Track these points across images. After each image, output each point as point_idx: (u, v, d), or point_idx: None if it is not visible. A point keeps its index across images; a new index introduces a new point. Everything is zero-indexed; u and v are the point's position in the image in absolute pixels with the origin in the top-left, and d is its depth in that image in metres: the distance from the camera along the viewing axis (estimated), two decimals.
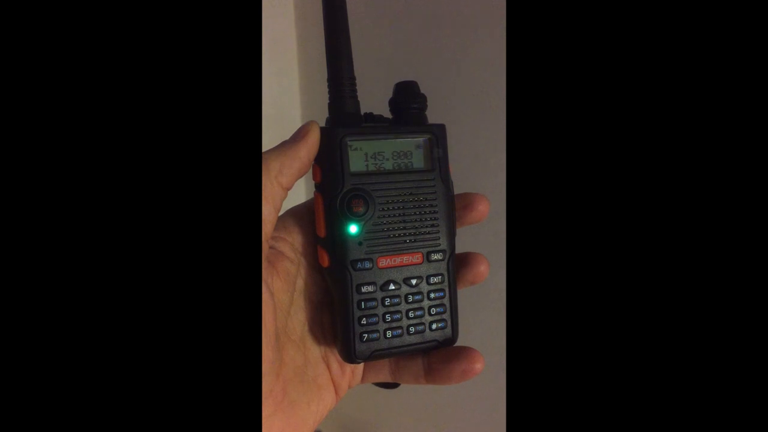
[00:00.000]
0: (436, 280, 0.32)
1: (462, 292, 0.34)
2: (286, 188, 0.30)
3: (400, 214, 0.32)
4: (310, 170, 0.32)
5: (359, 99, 0.33)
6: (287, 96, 0.91)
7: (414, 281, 0.32)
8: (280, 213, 0.32)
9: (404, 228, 0.32)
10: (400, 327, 0.32)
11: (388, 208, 0.31)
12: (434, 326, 0.32)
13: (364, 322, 0.31)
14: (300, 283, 0.32)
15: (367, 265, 0.31)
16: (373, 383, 0.35)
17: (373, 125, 0.33)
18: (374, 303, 0.31)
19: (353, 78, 0.32)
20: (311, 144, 0.30)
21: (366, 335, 0.31)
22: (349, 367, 0.34)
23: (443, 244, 0.32)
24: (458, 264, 0.34)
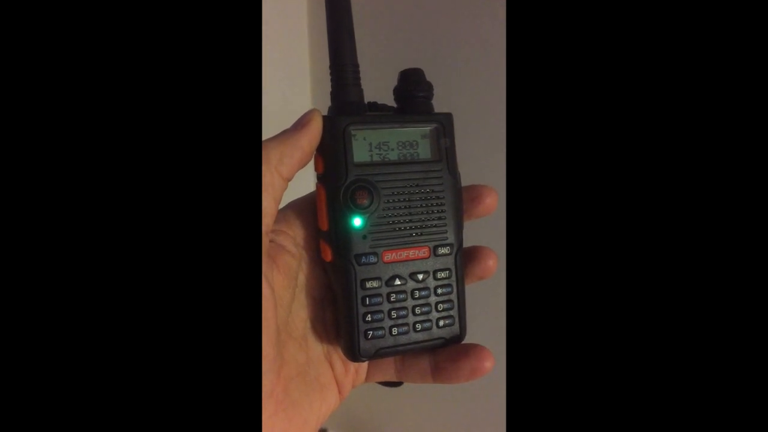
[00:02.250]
0: (443, 275, 0.31)
1: (469, 288, 0.33)
2: (286, 179, 0.29)
3: (405, 207, 0.30)
4: (312, 161, 0.31)
5: (363, 87, 0.31)
6: (297, 86, 0.90)
7: (420, 276, 0.31)
8: (281, 205, 0.31)
9: (410, 221, 0.31)
10: (406, 324, 0.30)
11: (393, 200, 0.30)
12: (441, 323, 0.31)
13: (369, 319, 0.30)
14: (301, 278, 0.31)
15: (372, 259, 0.30)
16: (376, 381, 0.34)
17: (377, 114, 0.31)
18: (379, 299, 0.30)
19: (356, 65, 0.31)
20: (313, 133, 0.29)
21: (371, 332, 0.30)
22: (352, 365, 0.32)
23: (451, 237, 0.31)
24: (466, 258, 0.32)
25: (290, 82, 0.89)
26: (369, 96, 0.32)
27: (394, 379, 0.33)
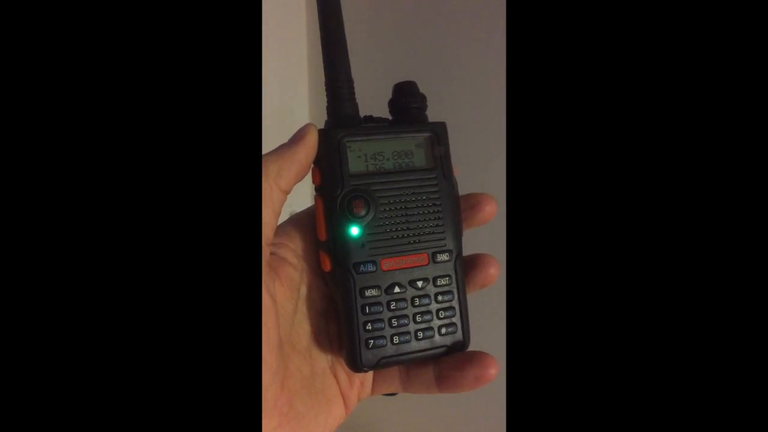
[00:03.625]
0: (443, 281, 0.31)
1: (471, 296, 0.33)
2: (285, 191, 0.29)
3: (402, 214, 0.31)
4: (310, 174, 0.31)
5: (359, 103, 0.32)
6: (296, 100, 0.91)
7: (420, 283, 0.31)
8: (282, 219, 0.32)
9: (408, 228, 0.31)
10: (407, 332, 0.30)
11: (390, 209, 0.30)
12: (443, 330, 0.31)
13: (370, 328, 0.30)
14: (304, 290, 0.31)
15: (371, 267, 0.30)
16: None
17: (372, 126, 0.32)
18: (379, 308, 0.30)
19: (351, 80, 0.32)
20: (309, 146, 0.30)
21: (372, 341, 0.30)
22: (357, 378, 0.32)
23: (449, 243, 0.31)
24: (467, 266, 0.32)
25: (288, 93, 0.90)
26: (365, 111, 0.32)
27: (400, 391, 0.33)
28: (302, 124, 0.31)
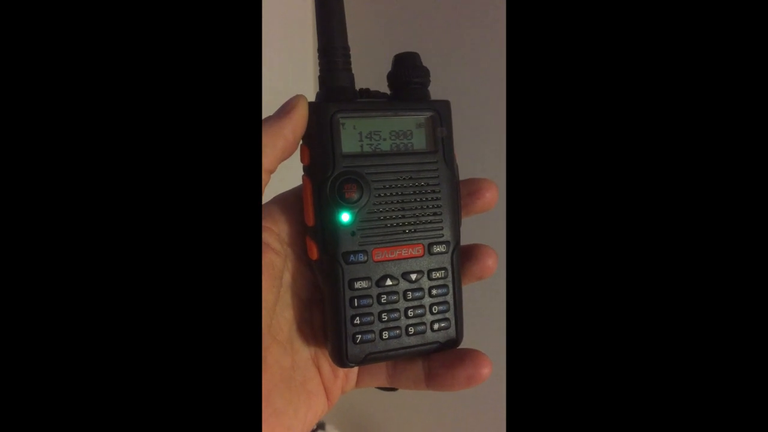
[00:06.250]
0: (438, 275, 0.29)
1: (466, 288, 0.31)
2: (268, 170, 0.27)
3: (398, 201, 0.28)
4: (298, 151, 0.29)
5: (354, 72, 0.29)
6: (300, 75, 0.87)
7: (414, 276, 0.29)
8: (266, 199, 0.29)
9: (403, 217, 0.28)
10: (397, 327, 0.28)
11: (384, 194, 0.28)
12: (436, 326, 0.29)
13: (358, 322, 0.28)
14: (287, 277, 0.29)
15: (361, 258, 0.28)
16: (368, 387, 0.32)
17: (368, 101, 0.29)
18: (369, 300, 0.28)
19: (347, 48, 0.29)
20: (297, 120, 0.27)
21: (359, 336, 0.28)
22: (341, 370, 0.31)
23: (447, 234, 0.29)
24: (463, 257, 0.30)
25: (293, 68, 0.86)
26: (361, 82, 0.30)
27: (386, 385, 0.31)
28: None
